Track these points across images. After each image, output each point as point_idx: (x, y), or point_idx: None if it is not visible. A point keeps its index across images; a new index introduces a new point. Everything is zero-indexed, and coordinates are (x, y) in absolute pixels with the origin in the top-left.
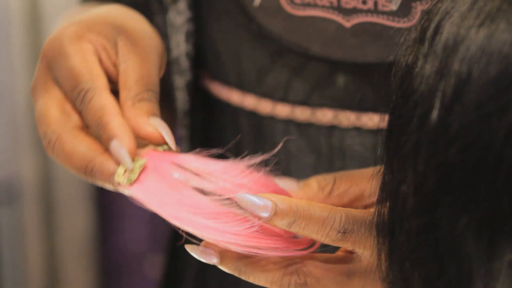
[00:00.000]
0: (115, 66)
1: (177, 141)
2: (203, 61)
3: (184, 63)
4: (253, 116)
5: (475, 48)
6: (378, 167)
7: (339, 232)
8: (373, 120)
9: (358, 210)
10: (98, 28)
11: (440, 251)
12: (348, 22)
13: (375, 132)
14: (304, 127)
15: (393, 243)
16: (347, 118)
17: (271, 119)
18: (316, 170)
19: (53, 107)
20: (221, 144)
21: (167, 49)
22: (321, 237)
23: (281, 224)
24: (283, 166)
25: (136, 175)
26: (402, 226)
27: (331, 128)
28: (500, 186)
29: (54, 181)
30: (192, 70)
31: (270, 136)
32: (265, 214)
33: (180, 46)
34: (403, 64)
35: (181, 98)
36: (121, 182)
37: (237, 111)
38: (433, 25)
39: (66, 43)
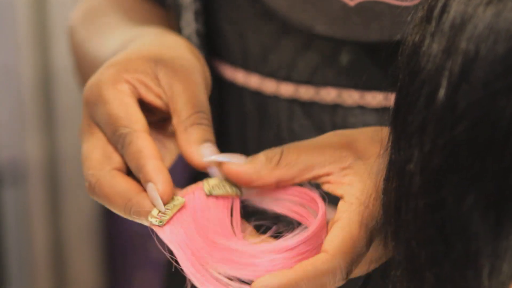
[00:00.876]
0: (160, 97)
1: None
2: (209, 40)
3: (195, 40)
4: (257, 95)
5: (482, 26)
6: (326, 134)
7: (345, 277)
8: (376, 99)
9: (340, 232)
10: (134, 65)
11: (446, 230)
12: (352, 1)
13: (378, 110)
14: (308, 106)
15: (399, 222)
16: (351, 97)
17: (275, 99)
18: None
19: (95, 150)
20: (226, 123)
21: (179, 28)
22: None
23: None
24: None
25: (167, 217)
26: (409, 205)
27: (335, 107)
28: (507, 164)
29: (59, 162)
30: (204, 48)
31: (274, 115)
32: None
33: (190, 24)
34: (410, 43)
35: None
36: (153, 222)
37: (241, 91)
38: (440, 4)
39: (104, 89)
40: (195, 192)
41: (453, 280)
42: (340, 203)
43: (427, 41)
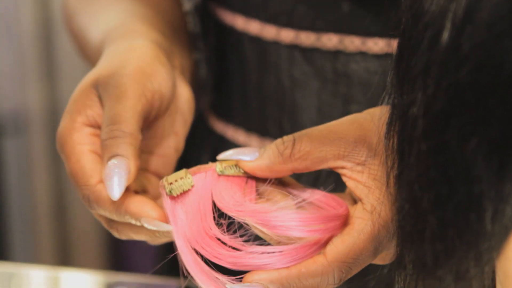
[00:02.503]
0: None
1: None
2: None
3: None
4: (257, 41)
5: None
6: (337, 123)
7: (337, 283)
8: (378, 45)
9: (347, 239)
10: (81, 102)
11: (449, 173)
12: None
13: (380, 57)
14: (309, 53)
15: (402, 166)
16: (352, 43)
17: (276, 45)
18: (320, 95)
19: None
20: (226, 70)
21: None
22: None
23: None
24: (288, 92)
25: (175, 192)
26: (412, 148)
27: (336, 53)
28: (511, 107)
29: (61, 111)
30: None
31: (274, 61)
32: None
33: None
34: None
35: (192, 22)
36: (165, 187)
37: (241, 36)
38: None
39: (63, 143)
40: (207, 172)
41: (456, 223)
42: (359, 206)
43: None
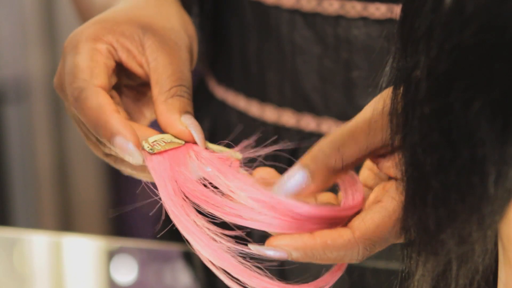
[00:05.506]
0: (141, 65)
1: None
2: None
3: None
4: (257, 5)
5: None
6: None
7: (360, 259)
8: (380, 10)
9: (377, 217)
10: (121, 29)
11: (453, 135)
12: None
13: (381, 22)
14: (310, 17)
15: (406, 129)
16: (354, 8)
17: (277, 9)
18: (321, 61)
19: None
20: (226, 35)
21: None
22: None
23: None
24: (288, 58)
25: (160, 148)
26: (415, 111)
27: (338, 18)
28: None
29: None
30: None
31: (275, 26)
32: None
33: None
34: None
35: None
36: (145, 147)
37: (241, 1)
38: None
39: (81, 41)
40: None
41: (459, 187)
42: (392, 185)
43: None
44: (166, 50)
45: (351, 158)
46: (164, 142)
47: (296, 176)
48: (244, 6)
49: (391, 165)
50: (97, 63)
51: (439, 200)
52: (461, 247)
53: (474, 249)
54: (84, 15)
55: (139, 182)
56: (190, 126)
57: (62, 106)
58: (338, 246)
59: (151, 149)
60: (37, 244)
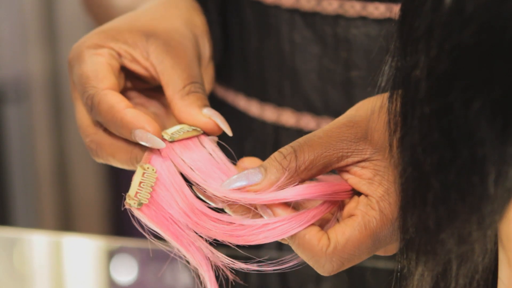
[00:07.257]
0: (147, 69)
1: None
2: None
3: None
4: (257, 5)
5: None
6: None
7: (326, 273)
8: (379, 10)
9: (348, 231)
10: (123, 37)
11: (452, 135)
12: None
13: (381, 21)
14: (309, 17)
15: (405, 129)
16: (353, 8)
17: (276, 9)
18: (321, 60)
19: (79, 115)
20: (226, 33)
21: None
22: None
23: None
24: (288, 57)
25: (145, 193)
26: (415, 111)
27: (337, 18)
28: None
29: (62, 77)
30: None
31: (274, 25)
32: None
33: None
34: None
35: None
36: (132, 205)
37: (241, 0)
38: None
39: (84, 51)
40: (164, 162)
41: (459, 186)
42: (363, 199)
43: None
44: (171, 51)
45: (306, 161)
46: (182, 131)
47: (251, 170)
48: (244, 4)
49: (359, 182)
50: (101, 66)
51: (439, 199)
52: (461, 246)
53: (474, 249)
54: (102, 20)
55: None
56: (213, 116)
57: (62, 106)
58: (312, 249)
59: (171, 138)
60: (37, 244)
